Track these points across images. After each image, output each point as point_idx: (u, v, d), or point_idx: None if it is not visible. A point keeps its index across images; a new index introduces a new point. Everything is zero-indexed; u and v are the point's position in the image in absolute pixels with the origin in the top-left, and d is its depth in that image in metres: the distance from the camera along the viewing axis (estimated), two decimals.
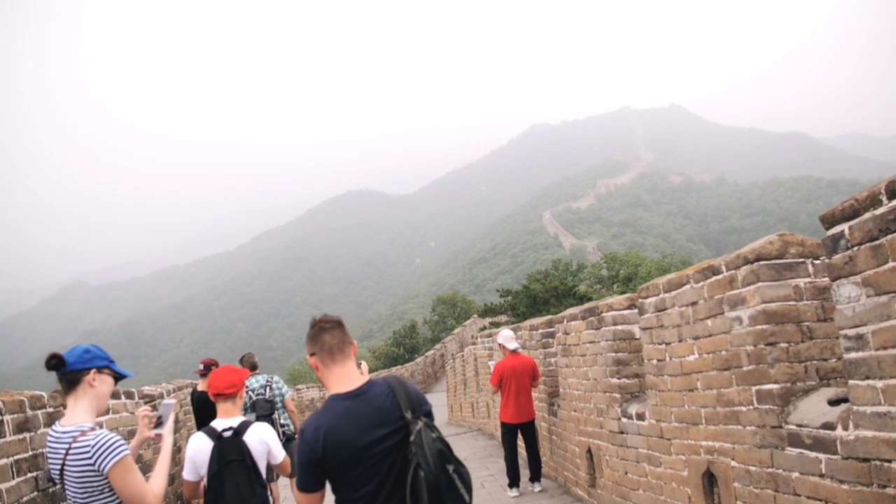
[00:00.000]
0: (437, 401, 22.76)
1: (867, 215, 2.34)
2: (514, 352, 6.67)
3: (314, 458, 2.24)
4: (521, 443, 6.91)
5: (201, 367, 6.80)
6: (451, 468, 2.22)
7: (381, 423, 2.28)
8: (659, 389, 4.08)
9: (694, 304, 3.60)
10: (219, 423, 3.44)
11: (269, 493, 3.44)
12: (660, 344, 4.01)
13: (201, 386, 6.80)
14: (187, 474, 3.37)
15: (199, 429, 4.98)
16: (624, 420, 4.68)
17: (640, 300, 4.25)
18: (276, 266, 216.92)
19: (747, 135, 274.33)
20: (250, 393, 6.88)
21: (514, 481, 6.72)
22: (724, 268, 3.32)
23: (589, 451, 5.50)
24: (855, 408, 2.44)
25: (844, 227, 2.44)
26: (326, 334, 2.39)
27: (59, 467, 2.48)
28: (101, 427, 2.60)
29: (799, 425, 2.84)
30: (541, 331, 6.82)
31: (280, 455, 3.50)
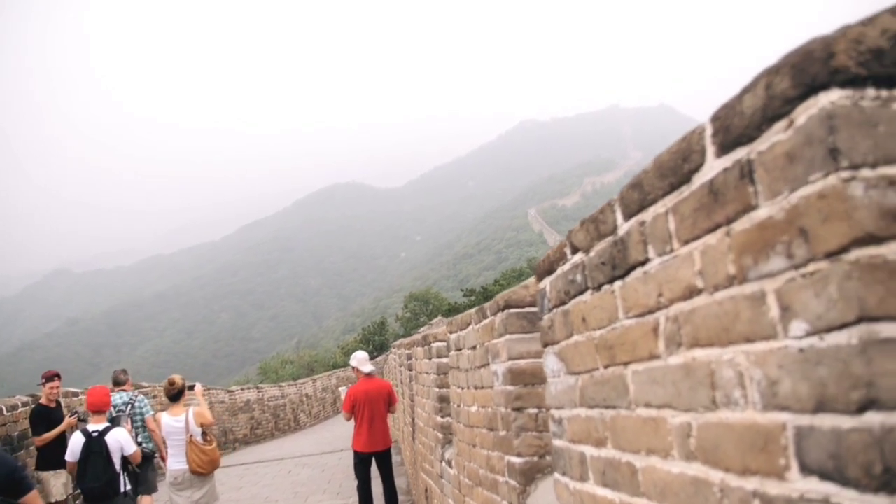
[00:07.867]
0: None
1: (559, 271, 1.85)
2: (368, 375, 6.15)
3: None
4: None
5: (43, 380, 6.77)
6: None
7: None
8: (459, 438, 3.60)
9: (474, 348, 3.11)
10: (91, 427, 5.27)
11: (121, 478, 5.21)
12: (458, 387, 3.52)
13: (43, 399, 6.79)
14: (68, 457, 5.23)
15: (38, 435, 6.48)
16: (443, 464, 4.20)
17: (447, 334, 3.77)
18: (262, 257, 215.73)
19: None
20: (112, 409, 6.87)
21: None
22: (488, 312, 2.84)
23: (427, 490, 5.02)
24: None
25: (547, 282, 1.96)
26: None
27: None
28: None
29: None
30: (406, 352, 6.30)
31: (130, 448, 5.33)
